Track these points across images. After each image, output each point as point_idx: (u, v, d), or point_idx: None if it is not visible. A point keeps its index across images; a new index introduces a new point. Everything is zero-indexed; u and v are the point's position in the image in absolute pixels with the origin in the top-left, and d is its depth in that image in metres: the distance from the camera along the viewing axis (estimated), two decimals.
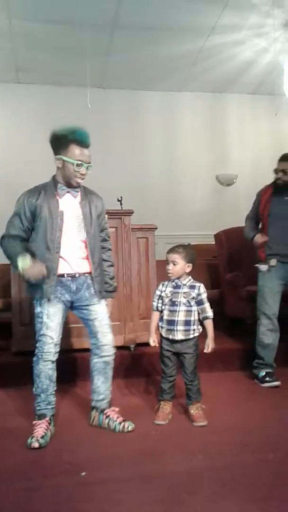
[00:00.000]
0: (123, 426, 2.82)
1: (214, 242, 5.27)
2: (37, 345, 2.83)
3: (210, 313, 3.02)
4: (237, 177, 6.98)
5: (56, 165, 2.85)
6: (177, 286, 3.02)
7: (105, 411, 2.92)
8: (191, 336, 2.98)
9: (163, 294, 3.04)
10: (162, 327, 3.03)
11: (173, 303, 2.99)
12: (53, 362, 2.82)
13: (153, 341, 3.06)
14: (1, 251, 2.88)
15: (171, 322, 2.98)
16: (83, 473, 2.30)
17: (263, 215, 3.82)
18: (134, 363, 4.01)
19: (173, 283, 3.03)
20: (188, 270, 3.02)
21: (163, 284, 3.09)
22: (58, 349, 2.84)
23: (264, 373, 3.71)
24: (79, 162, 2.76)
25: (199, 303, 3.00)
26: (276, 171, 3.81)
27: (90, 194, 2.98)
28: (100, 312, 2.92)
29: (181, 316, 2.96)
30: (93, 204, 2.94)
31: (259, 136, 7.04)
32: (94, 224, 2.92)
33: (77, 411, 3.20)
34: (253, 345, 3.82)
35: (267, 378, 3.68)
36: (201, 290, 3.02)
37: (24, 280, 2.88)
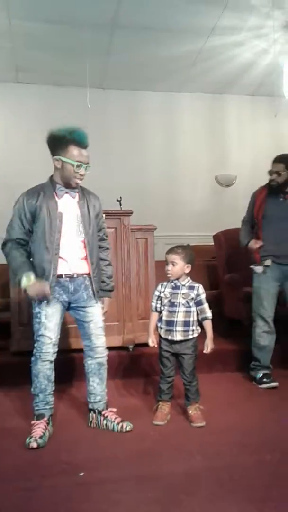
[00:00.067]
0: (121, 426, 2.82)
1: (213, 243, 5.27)
2: (35, 345, 2.84)
3: (209, 313, 3.02)
4: (236, 178, 6.98)
5: (55, 166, 2.85)
6: (176, 287, 3.02)
7: (103, 412, 2.92)
8: (190, 336, 2.98)
9: (162, 294, 3.05)
10: (161, 328, 3.04)
11: (172, 304, 2.99)
12: (51, 362, 2.83)
13: (152, 341, 3.06)
14: (1, 251, 2.88)
15: (170, 323, 2.98)
16: (81, 473, 2.30)
17: (258, 217, 3.81)
18: (133, 364, 4.01)
19: (172, 283, 3.03)
20: (187, 270, 3.02)
21: (162, 285, 3.09)
22: (56, 349, 2.85)
23: (261, 375, 3.71)
24: (79, 163, 2.77)
25: (198, 303, 3.01)
26: (270, 172, 3.82)
27: (88, 194, 2.99)
28: (95, 315, 2.92)
29: (180, 317, 2.96)
30: (91, 204, 2.94)
31: (258, 137, 7.04)
32: (93, 224, 2.92)
33: (75, 411, 3.20)
34: (251, 346, 3.83)
35: (265, 380, 3.68)
36: (200, 290, 3.03)
37: (26, 296, 2.87)
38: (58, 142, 2.79)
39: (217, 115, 7.12)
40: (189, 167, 6.99)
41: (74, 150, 2.77)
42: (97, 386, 2.95)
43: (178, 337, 2.96)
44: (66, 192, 2.86)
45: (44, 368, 2.80)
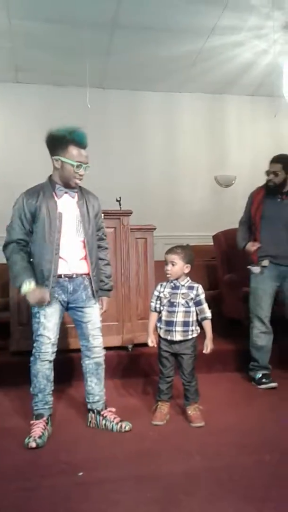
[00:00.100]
0: (120, 426, 2.82)
1: (212, 243, 5.27)
2: (34, 345, 2.83)
3: (208, 313, 3.02)
4: (236, 178, 6.98)
5: (54, 166, 2.84)
6: (175, 287, 3.02)
7: (102, 412, 2.92)
8: (190, 337, 2.98)
9: (161, 295, 3.04)
10: (160, 328, 3.04)
11: (171, 304, 2.99)
12: (50, 362, 2.83)
13: (151, 341, 3.06)
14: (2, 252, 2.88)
15: (169, 323, 2.98)
16: (80, 473, 2.30)
17: (255, 217, 3.81)
18: (132, 364, 4.01)
19: (172, 284, 3.03)
20: (186, 271, 3.02)
21: (161, 285, 3.09)
22: (55, 349, 2.85)
23: (260, 375, 3.71)
24: (79, 164, 2.77)
25: (198, 303, 3.01)
26: (267, 173, 3.82)
27: (87, 194, 2.99)
28: (93, 315, 2.93)
29: (179, 317, 2.96)
30: (90, 204, 2.94)
31: (258, 138, 7.04)
32: (92, 224, 2.92)
33: (74, 411, 3.20)
34: (249, 347, 3.83)
35: (264, 380, 3.68)
36: (200, 291, 3.03)
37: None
38: (57, 142, 2.79)
39: (217, 115, 7.12)
40: (189, 167, 6.99)
41: (73, 150, 2.77)
42: (95, 386, 2.95)
43: (178, 337, 2.96)
44: (66, 192, 2.86)
45: (43, 368, 2.80)
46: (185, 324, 2.96)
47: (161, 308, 3.04)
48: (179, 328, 2.96)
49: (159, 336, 3.05)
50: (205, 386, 3.24)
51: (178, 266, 2.98)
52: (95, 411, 2.93)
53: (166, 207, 6.72)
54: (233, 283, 4.71)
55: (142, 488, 2.16)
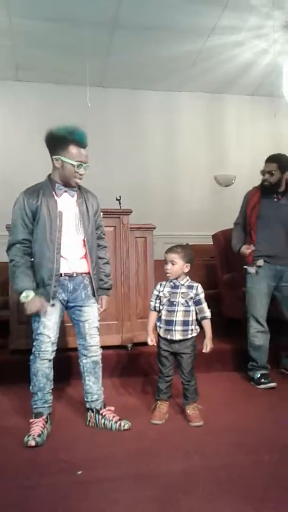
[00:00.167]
0: (120, 425, 2.83)
1: (212, 243, 5.28)
2: (34, 343, 2.84)
3: (208, 313, 3.03)
4: (236, 178, 6.99)
5: (54, 165, 2.85)
6: (175, 286, 3.02)
7: (101, 411, 2.92)
8: (189, 336, 2.98)
9: (161, 294, 3.05)
10: (160, 327, 3.04)
11: (171, 303, 3.00)
12: (50, 360, 2.83)
13: (151, 340, 3.06)
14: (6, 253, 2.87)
15: (169, 322, 2.98)
16: (79, 472, 2.30)
17: (251, 217, 3.81)
18: (131, 363, 4.02)
19: (171, 283, 3.04)
20: (186, 270, 3.02)
21: (161, 284, 3.09)
22: (55, 348, 2.85)
23: (259, 375, 3.71)
24: (79, 163, 2.77)
25: (197, 303, 3.01)
26: (262, 172, 3.82)
27: (86, 192, 2.99)
28: (92, 314, 2.93)
29: (179, 316, 2.97)
30: (89, 203, 2.95)
31: (257, 138, 7.05)
32: (91, 222, 2.93)
33: (73, 409, 3.21)
34: (247, 346, 3.83)
35: (263, 380, 3.68)
36: (199, 290, 3.03)
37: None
38: (58, 142, 2.79)
39: (216, 114, 7.12)
40: (189, 166, 7.00)
41: (74, 150, 2.77)
42: (93, 385, 2.95)
43: (177, 336, 2.97)
44: (65, 191, 2.87)
45: (43, 366, 2.81)
46: (185, 323, 2.97)
47: (161, 307, 3.04)
48: (178, 328, 2.96)
49: (159, 335, 3.06)
50: (204, 386, 3.25)
51: (178, 265, 2.99)
52: (94, 410, 2.93)
53: (165, 206, 6.72)
54: (233, 283, 4.72)
55: (141, 487, 2.16)
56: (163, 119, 6.96)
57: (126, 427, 2.82)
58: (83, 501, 2.05)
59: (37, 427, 2.72)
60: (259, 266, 3.73)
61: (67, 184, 2.86)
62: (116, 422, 2.85)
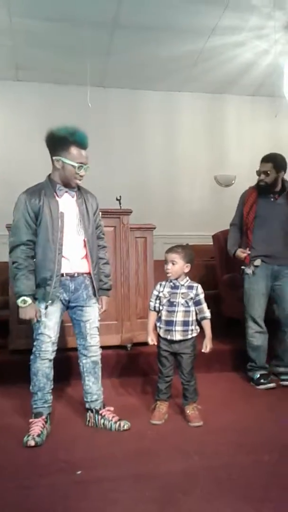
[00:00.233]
0: (119, 425, 2.83)
1: (212, 243, 5.27)
2: (34, 343, 2.84)
3: (208, 313, 3.03)
4: (236, 178, 6.98)
5: (54, 166, 2.85)
6: (175, 287, 3.02)
7: (101, 411, 2.93)
8: (189, 336, 2.99)
9: (161, 294, 3.05)
10: (160, 328, 3.04)
11: (171, 304, 3.00)
12: (50, 360, 2.83)
13: (151, 340, 3.06)
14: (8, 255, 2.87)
15: (169, 323, 2.98)
16: (79, 472, 2.31)
17: (248, 218, 3.80)
18: (131, 363, 4.02)
19: (171, 283, 3.04)
20: (186, 270, 3.02)
21: (160, 284, 3.09)
22: (55, 348, 2.86)
23: (258, 375, 3.71)
24: (80, 165, 2.78)
25: (197, 303, 3.01)
26: (258, 172, 3.81)
27: (85, 193, 3.00)
28: (92, 314, 2.94)
29: (179, 317, 2.97)
30: (89, 203, 2.96)
31: (258, 138, 7.03)
32: (91, 222, 2.94)
33: (73, 409, 3.21)
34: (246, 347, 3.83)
35: (262, 380, 3.68)
36: (199, 290, 3.03)
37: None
38: (58, 143, 2.79)
39: (217, 115, 7.12)
40: (189, 166, 6.99)
41: (75, 151, 2.78)
42: (93, 385, 2.96)
43: (178, 336, 2.97)
44: (66, 192, 2.87)
45: (43, 366, 2.81)
46: (185, 323, 2.97)
47: (161, 307, 3.04)
48: (179, 328, 2.96)
49: (159, 335, 3.06)
50: (203, 386, 3.24)
51: (178, 265, 2.99)
52: (94, 410, 2.94)
53: (165, 206, 6.72)
54: (232, 283, 4.71)
55: (141, 487, 2.16)
56: (163, 119, 6.96)
57: (125, 427, 2.83)
58: (82, 501, 2.05)
59: (37, 427, 2.72)
60: (256, 266, 3.73)
61: (67, 185, 2.86)
62: (115, 422, 2.85)
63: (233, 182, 7.03)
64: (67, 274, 2.83)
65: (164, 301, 3.02)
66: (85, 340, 2.93)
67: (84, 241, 2.87)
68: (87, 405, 2.97)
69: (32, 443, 2.60)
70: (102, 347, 3.03)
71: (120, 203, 4.63)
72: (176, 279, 3.02)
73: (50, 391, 2.86)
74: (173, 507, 1.99)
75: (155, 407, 3.04)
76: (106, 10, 4.92)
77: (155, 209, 6.34)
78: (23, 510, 2.02)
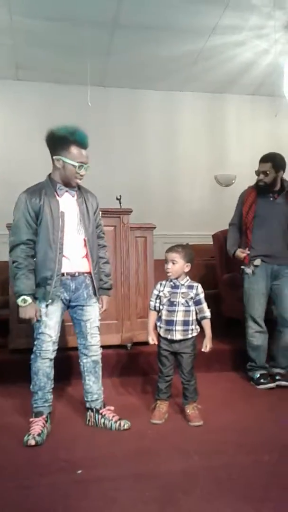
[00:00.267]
0: (119, 424, 2.83)
1: (212, 242, 5.27)
2: (35, 343, 2.84)
3: (208, 313, 3.03)
4: (236, 178, 6.98)
5: (55, 165, 2.85)
6: (175, 286, 3.02)
7: (101, 411, 2.93)
8: (190, 336, 2.99)
9: (161, 294, 3.05)
10: (160, 327, 3.04)
11: (171, 303, 3.00)
12: (51, 360, 2.84)
13: (152, 339, 3.05)
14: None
15: (169, 322, 2.98)
16: (79, 471, 2.31)
17: (248, 217, 3.80)
18: (131, 362, 4.02)
19: (171, 283, 3.04)
20: (187, 269, 3.02)
21: (161, 284, 3.09)
22: (56, 347, 2.86)
23: (258, 375, 3.71)
24: (80, 164, 2.78)
25: (197, 303, 3.02)
26: (257, 172, 3.81)
27: (86, 192, 3.00)
28: (93, 314, 2.94)
29: (179, 316, 2.97)
30: (89, 202, 2.96)
31: (258, 137, 7.03)
32: (92, 222, 2.94)
33: (73, 409, 3.21)
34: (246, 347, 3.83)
35: (262, 380, 3.68)
36: (199, 290, 3.03)
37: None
38: (59, 142, 2.79)
39: (217, 114, 7.11)
40: (189, 166, 6.99)
41: (75, 151, 2.78)
42: (93, 384, 2.96)
43: (178, 336, 2.97)
44: (66, 191, 2.88)
45: (43, 365, 2.81)
46: (185, 323, 2.97)
47: (161, 307, 3.04)
48: (179, 327, 2.96)
49: (159, 335, 3.06)
50: (203, 385, 3.25)
51: (178, 264, 2.99)
52: (94, 409, 2.94)
53: (166, 206, 6.71)
54: (232, 283, 4.71)
55: (141, 486, 2.16)
56: (163, 118, 6.95)
57: (125, 426, 2.83)
58: (83, 500, 2.06)
59: (37, 426, 2.72)
60: (256, 266, 3.73)
61: (68, 184, 2.86)
62: (115, 421, 2.85)
63: (233, 181, 7.03)
64: (67, 274, 2.83)
65: (165, 300, 3.02)
66: (86, 340, 2.93)
67: (85, 240, 2.87)
68: (87, 405, 2.97)
69: (32, 442, 2.60)
70: (102, 347, 3.03)
71: (120, 203, 4.63)
72: (176, 278, 3.03)
73: (51, 390, 2.86)
74: (173, 507, 1.99)
75: (155, 406, 3.04)
76: (106, 10, 4.92)
77: (155, 208, 6.34)
78: (23, 509, 2.02)
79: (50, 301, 2.77)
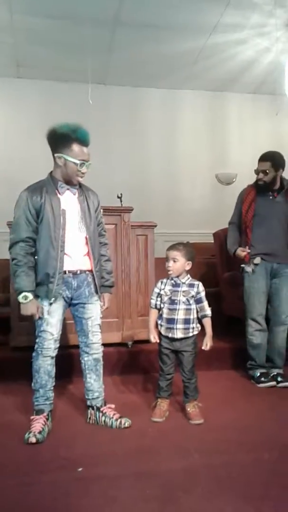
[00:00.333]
0: (120, 422, 2.83)
1: (212, 241, 5.27)
2: (37, 340, 2.84)
3: (208, 311, 3.03)
4: (237, 176, 6.98)
5: (56, 163, 2.84)
6: (176, 285, 3.02)
7: (102, 409, 2.93)
8: (191, 334, 2.99)
9: (162, 292, 3.05)
10: (161, 325, 3.04)
11: (172, 302, 3.00)
12: (52, 358, 2.84)
13: (154, 337, 3.05)
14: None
15: (170, 321, 2.98)
16: (80, 469, 2.31)
17: (247, 216, 3.80)
18: (132, 360, 4.02)
19: (172, 281, 3.04)
20: (187, 268, 3.02)
21: (162, 282, 3.09)
22: (57, 345, 2.86)
23: (259, 374, 3.72)
24: (82, 162, 2.78)
25: (198, 301, 3.02)
26: (256, 171, 3.81)
27: (87, 190, 3.00)
28: (95, 312, 2.94)
29: (180, 315, 2.97)
30: (90, 200, 2.96)
31: (259, 136, 7.03)
32: (93, 220, 2.94)
33: (74, 407, 3.21)
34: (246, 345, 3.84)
35: (262, 379, 3.68)
36: (200, 288, 3.03)
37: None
38: (60, 140, 2.79)
39: (218, 112, 7.12)
40: (190, 164, 6.99)
41: (77, 149, 2.78)
42: (94, 382, 2.96)
43: (179, 334, 2.97)
44: (68, 189, 2.87)
45: (45, 363, 2.81)
46: (186, 321, 2.97)
47: (162, 305, 3.05)
48: (180, 326, 2.97)
49: (160, 333, 3.06)
50: (204, 384, 3.24)
51: (179, 262, 2.99)
52: (95, 407, 2.94)
53: (166, 204, 6.72)
54: (233, 281, 4.71)
55: (141, 484, 2.16)
56: (164, 116, 6.95)
57: (126, 424, 2.83)
58: (83, 498, 2.06)
59: (38, 424, 2.72)
60: (256, 264, 3.73)
61: (69, 182, 2.86)
62: (116, 419, 2.85)
63: (234, 180, 7.03)
64: (69, 272, 2.83)
65: (165, 299, 3.03)
66: (87, 338, 2.93)
67: (86, 238, 2.87)
68: (88, 402, 2.97)
69: (33, 440, 2.61)
70: (103, 345, 3.03)
71: (121, 201, 4.62)
72: (177, 276, 3.03)
73: (52, 388, 2.87)
74: (173, 505, 2.00)
75: (156, 404, 3.05)
76: (107, 8, 4.92)
77: (156, 207, 6.34)
78: (24, 507, 2.03)
79: (53, 299, 2.77)
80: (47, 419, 2.80)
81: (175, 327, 2.97)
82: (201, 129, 7.09)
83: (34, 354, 2.84)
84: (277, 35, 5.26)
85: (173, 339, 2.99)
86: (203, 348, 3.01)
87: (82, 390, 3.05)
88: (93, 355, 2.95)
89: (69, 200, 2.86)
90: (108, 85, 6.67)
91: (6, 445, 2.63)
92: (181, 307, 2.98)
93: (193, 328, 2.99)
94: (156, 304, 3.07)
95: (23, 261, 2.76)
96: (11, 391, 3.48)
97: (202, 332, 3.03)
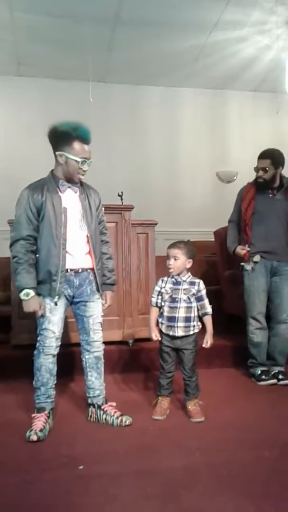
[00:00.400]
0: (121, 420, 2.84)
1: (213, 239, 5.27)
2: (38, 338, 2.84)
3: (209, 309, 3.03)
4: (237, 174, 6.97)
5: (57, 161, 2.84)
6: (177, 283, 3.03)
7: (102, 407, 2.93)
8: (191, 332, 2.99)
9: (163, 290, 3.05)
10: (162, 323, 3.04)
11: (173, 300, 3.00)
12: (54, 356, 2.84)
13: (155, 335, 3.05)
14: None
15: (171, 319, 2.99)
16: (81, 467, 2.31)
17: (247, 214, 3.80)
18: (133, 358, 4.03)
19: (173, 279, 3.04)
20: (188, 266, 3.02)
21: (162, 280, 3.10)
22: (59, 343, 2.86)
23: (259, 372, 3.72)
24: (83, 160, 2.77)
25: (199, 299, 3.02)
26: (256, 169, 3.80)
27: (88, 188, 3.00)
28: (96, 310, 2.94)
29: (181, 313, 2.97)
30: (91, 198, 2.96)
31: (260, 134, 7.02)
32: (94, 218, 2.94)
33: (75, 405, 3.22)
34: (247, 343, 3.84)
35: (263, 377, 3.69)
36: (201, 286, 3.04)
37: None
38: (61, 138, 2.78)
39: (219, 110, 7.11)
40: (190, 162, 6.99)
41: (78, 146, 2.78)
42: (96, 380, 2.96)
43: (180, 332, 2.97)
44: (69, 187, 2.87)
45: (46, 361, 2.82)
46: (187, 319, 2.97)
47: (163, 303, 3.05)
48: (181, 324, 2.97)
49: (161, 331, 3.06)
50: (204, 382, 3.25)
51: (180, 260, 2.99)
52: (96, 405, 2.94)
53: (167, 202, 6.72)
54: (234, 279, 4.71)
55: (142, 482, 2.17)
56: (165, 114, 6.95)
57: (127, 422, 2.83)
58: (84, 496, 2.06)
59: (39, 422, 2.73)
60: (256, 262, 3.73)
61: (70, 180, 2.86)
62: (117, 417, 2.86)
63: (234, 178, 7.02)
64: (71, 270, 2.83)
65: (166, 297, 3.03)
66: (88, 336, 2.94)
67: (87, 236, 2.87)
68: (89, 400, 2.98)
69: (34, 438, 2.61)
70: (104, 343, 3.03)
71: (121, 199, 4.63)
72: (178, 275, 3.03)
73: (53, 386, 2.87)
74: (174, 503, 2.00)
75: (157, 402, 3.05)
76: (107, 6, 4.91)
77: (157, 205, 6.34)
78: (25, 505, 2.03)
79: (57, 297, 2.77)
80: (48, 417, 2.80)
81: (176, 325, 2.97)
82: (202, 127, 7.08)
83: (35, 352, 2.85)
84: (277, 32, 5.25)
85: (174, 337, 2.99)
86: (203, 346, 3.01)
87: (83, 388, 3.05)
88: (94, 353, 2.95)
89: (70, 198, 2.86)
90: (108, 83, 6.65)
91: (7, 443, 2.64)
92: (182, 305, 2.98)
93: (193, 326, 2.99)
94: (157, 302, 3.07)
95: (23, 258, 2.76)
96: (12, 389, 3.49)
97: (203, 330, 3.04)
